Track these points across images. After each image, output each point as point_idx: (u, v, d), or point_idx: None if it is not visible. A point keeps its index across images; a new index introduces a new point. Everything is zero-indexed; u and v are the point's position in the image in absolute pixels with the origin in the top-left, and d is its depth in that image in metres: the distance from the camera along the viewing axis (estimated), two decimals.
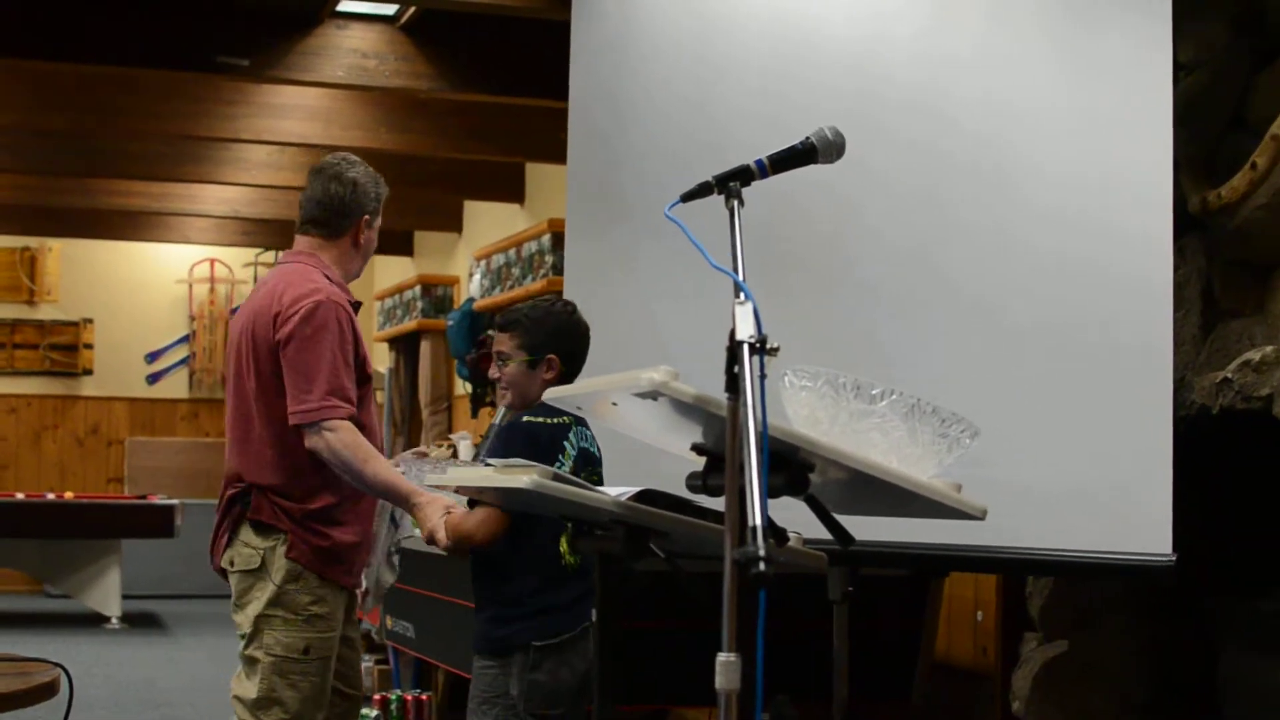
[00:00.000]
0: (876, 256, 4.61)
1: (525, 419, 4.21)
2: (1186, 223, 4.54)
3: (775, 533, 2.55)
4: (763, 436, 2.56)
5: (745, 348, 2.65)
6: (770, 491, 2.62)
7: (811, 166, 3.26)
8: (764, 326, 2.68)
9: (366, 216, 4.65)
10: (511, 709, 4.15)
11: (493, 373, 4.45)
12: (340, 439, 4.41)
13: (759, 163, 3.09)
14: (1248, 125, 4.59)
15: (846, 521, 3.08)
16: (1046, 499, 4.38)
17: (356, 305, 4.61)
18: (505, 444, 4.17)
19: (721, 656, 2.60)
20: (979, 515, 3.08)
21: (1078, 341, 4.38)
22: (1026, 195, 4.50)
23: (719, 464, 2.82)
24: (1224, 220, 4.55)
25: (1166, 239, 4.24)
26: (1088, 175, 4.38)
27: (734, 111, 5.10)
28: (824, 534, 3.06)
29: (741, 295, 2.73)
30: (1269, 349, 4.23)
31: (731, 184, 2.99)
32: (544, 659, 4.16)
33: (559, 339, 4.31)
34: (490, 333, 11.47)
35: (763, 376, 2.64)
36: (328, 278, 4.58)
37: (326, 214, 4.64)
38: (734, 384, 2.64)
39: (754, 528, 2.44)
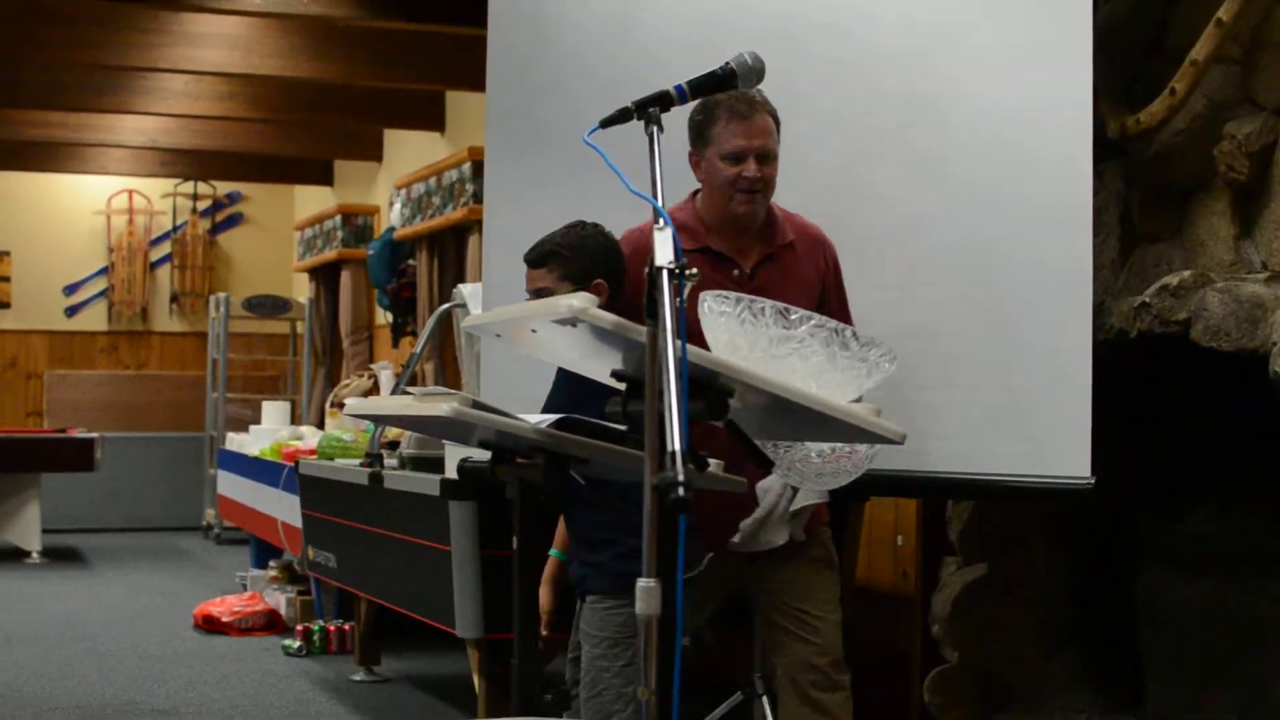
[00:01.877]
0: (796, 180, 4.60)
1: None
2: (1106, 149, 4.55)
3: (694, 459, 2.55)
4: (682, 362, 2.56)
5: (664, 274, 2.65)
6: (690, 417, 2.61)
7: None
8: (682, 253, 2.68)
9: (691, 150, 4.32)
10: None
11: None
12: None
13: (678, 88, 3.09)
14: (1167, 52, 4.60)
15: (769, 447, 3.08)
16: (966, 423, 4.40)
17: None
18: (564, 382, 4.06)
19: (641, 582, 2.60)
20: (898, 439, 3.09)
21: (997, 266, 4.39)
22: (948, 120, 4.50)
23: (639, 390, 2.81)
24: (1142, 146, 4.57)
25: (1086, 164, 4.26)
26: (1008, 100, 4.39)
27: (655, 37, 5.07)
28: None
29: (660, 221, 2.73)
30: (1186, 274, 4.25)
31: (651, 109, 2.99)
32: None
33: (601, 261, 4.17)
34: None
35: (681, 302, 2.64)
36: (669, 221, 4.49)
37: None
38: (653, 310, 2.64)
39: (673, 453, 2.44)
